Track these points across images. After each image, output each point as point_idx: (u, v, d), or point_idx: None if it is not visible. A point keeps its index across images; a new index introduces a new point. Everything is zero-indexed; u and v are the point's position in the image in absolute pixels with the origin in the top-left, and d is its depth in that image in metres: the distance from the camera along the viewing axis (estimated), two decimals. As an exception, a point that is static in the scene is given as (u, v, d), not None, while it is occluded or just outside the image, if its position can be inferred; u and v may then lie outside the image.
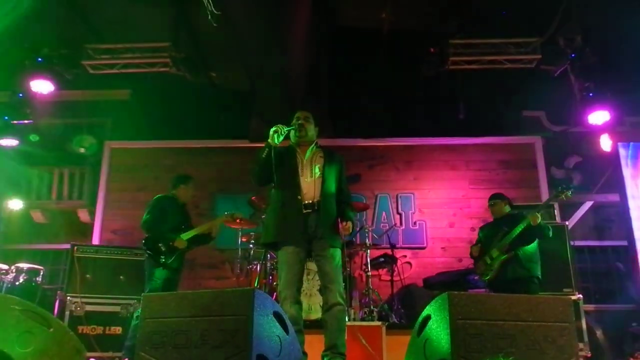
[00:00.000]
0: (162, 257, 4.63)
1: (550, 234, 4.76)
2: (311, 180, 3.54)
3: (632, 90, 6.95)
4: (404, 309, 5.81)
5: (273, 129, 3.44)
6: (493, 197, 5.11)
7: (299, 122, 3.66)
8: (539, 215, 4.64)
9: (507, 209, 5.00)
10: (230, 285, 6.94)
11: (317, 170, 3.57)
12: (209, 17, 4.96)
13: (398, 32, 6.96)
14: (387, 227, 7.25)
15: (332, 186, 3.59)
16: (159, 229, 4.71)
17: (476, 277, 5.95)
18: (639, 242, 6.39)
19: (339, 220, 3.54)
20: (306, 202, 3.47)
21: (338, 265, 3.50)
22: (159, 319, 2.35)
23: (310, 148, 3.66)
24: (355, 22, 7.12)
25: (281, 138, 3.46)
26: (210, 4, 4.96)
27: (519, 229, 4.62)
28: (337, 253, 3.52)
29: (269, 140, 3.43)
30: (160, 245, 4.65)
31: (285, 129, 3.50)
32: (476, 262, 4.98)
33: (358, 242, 6.35)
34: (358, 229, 6.58)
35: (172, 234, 4.70)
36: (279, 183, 3.56)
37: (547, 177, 7.88)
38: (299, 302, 3.46)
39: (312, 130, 3.71)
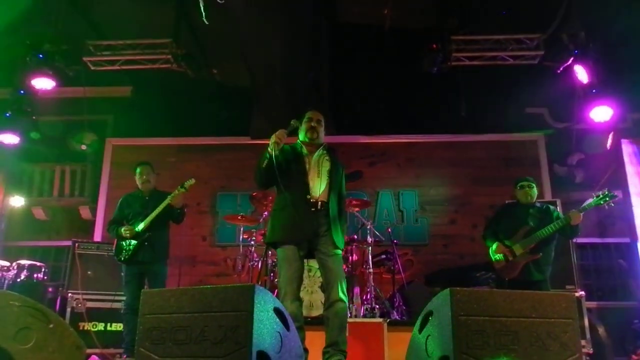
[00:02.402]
0: (120, 255, 4.59)
1: (579, 233, 4.48)
2: (318, 181, 3.53)
3: (635, 87, 6.92)
4: (405, 305, 5.79)
5: (273, 139, 3.35)
6: (529, 180, 4.57)
7: (312, 124, 3.62)
8: (581, 215, 4.24)
9: (535, 198, 4.58)
10: (231, 282, 6.94)
11: (325, 172, 3.57)
12: (203, 13, 4.93)
13: (400, 29, 6.93)
14: (389, 224, 7.23)
15: (336, 190, 3.61)
16: (112, 229, 4.69)
17: (478, 274, 5.92)
18: (642, 239, 6.37)
19: None
20: (313, 201, 3.46)
21: (341, 263, 3.51)
22: (158, 315, 2.34)
23: (319, 151, 3.63)
24: (357, 19, 7.09)
25: (281, 146, 3.39)
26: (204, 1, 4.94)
27: (553, 227, 4.28)
28: (340, 253, 3.52)
29: (269, 149, 3.34)
30: (121, 243, 4.61)
31: (285, 133, 3.41)
32: (493, 254, 4.53)
33: (360, 239, 6.33)
34: (360, 225, 6.57)
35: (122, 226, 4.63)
36: (287, 184, 3.49)
37: (550, 175, 7.86)
38: (299, 299, 3.44)
39: (322, 132, 3.68)
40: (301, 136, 3.63)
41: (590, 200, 4.43)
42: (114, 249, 4.74)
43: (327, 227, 3.47)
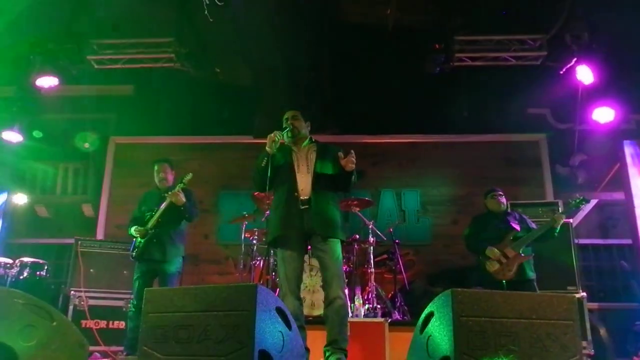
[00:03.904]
0: (132, 252, 4.60)
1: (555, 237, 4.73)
2: (307, 176, 3.61)
3: (639, 88, 6.90)
4: (406, 305, 5.80)
5: (270, 136, 3.54)
6: (498, 190, 4.90)
7: (289, 122, 3.75)
8: (564, 217, 4.63)
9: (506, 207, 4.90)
10: (234, 280, 6.95)
11: (310, 165, 3.66)
12: (206, 10, 4.95)
13: (403, 28, 6.92)
14: (391, 224, 7.22)
15: (326, 180, 3.64)
16: (128, 228, 4.69)
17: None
18: (643, 241, 6.34)
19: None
20: (302, 198, 3.53)
21: (338, 258, 3.52)
22: (161, 313, 2.35)
23: (304, 143, 3.79)
24: (360, 18, 7.09)
25: (278, 145, 3.58)
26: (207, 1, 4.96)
27: (540, 230, 4.58)
28: (337, 246, 3.54)
29: (267, 148, 3.53)
30: (135, 240, 4.61)
31: (281, 134, 3.61)
32: (485, 259, 4.67)
33: (361, 238, 6.34)
34: (361, 225, 6.57)
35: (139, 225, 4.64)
36: (278, 183, 3.66)
37: (552, 175, 7.85)
38: (299, 298, 3.47)
39: (303, 127, 3.81)
40: (286, 138, 3.73)
41: (567, 205, 4.90)
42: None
43: (318, 224, 3.50)
